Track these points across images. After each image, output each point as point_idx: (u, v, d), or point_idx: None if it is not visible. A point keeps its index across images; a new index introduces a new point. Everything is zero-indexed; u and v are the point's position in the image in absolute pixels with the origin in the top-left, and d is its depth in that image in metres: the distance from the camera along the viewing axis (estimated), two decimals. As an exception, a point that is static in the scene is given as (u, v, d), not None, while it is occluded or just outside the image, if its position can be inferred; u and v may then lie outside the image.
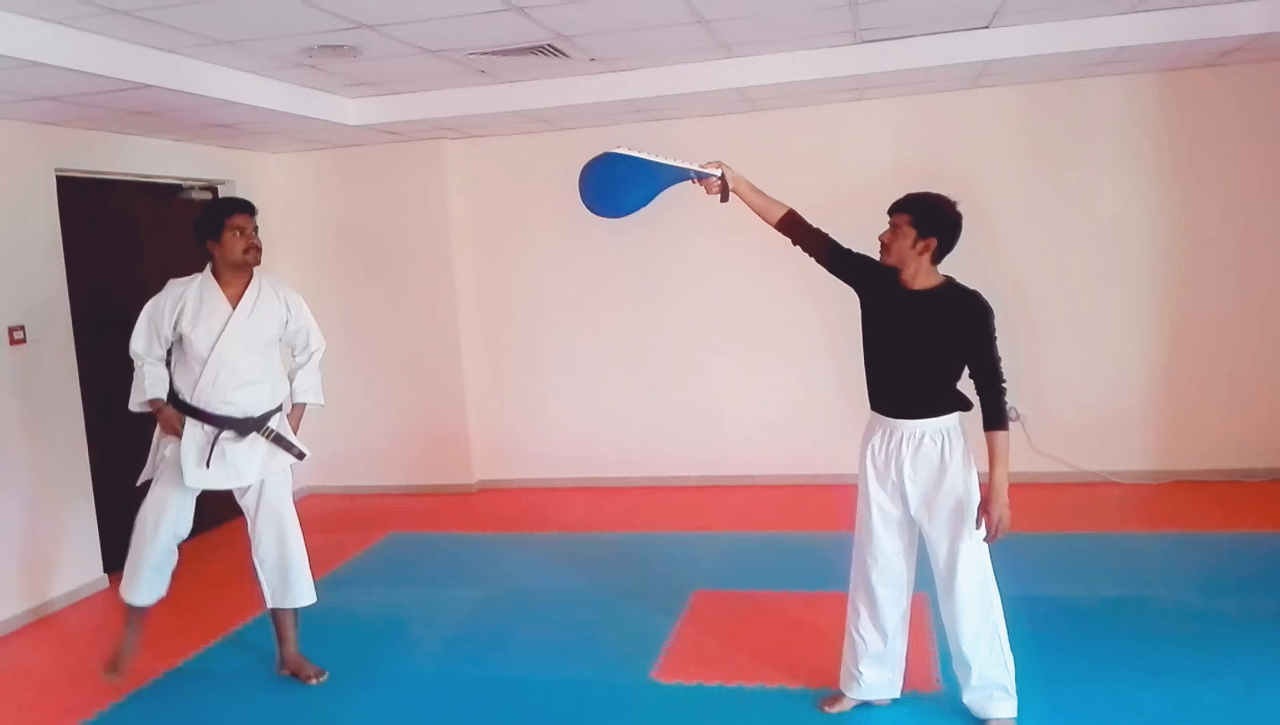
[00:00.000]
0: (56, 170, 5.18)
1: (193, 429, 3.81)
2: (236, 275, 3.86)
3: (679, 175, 3.24)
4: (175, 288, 3.89)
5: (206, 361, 3.78)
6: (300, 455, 3.96)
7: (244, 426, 3.84)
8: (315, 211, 7.07)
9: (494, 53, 4.78)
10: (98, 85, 4.27)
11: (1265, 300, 5.95)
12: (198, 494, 3.93)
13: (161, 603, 4.65)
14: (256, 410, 3.87)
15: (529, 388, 7.02)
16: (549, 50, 4.77)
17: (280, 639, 4.04)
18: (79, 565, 5.17)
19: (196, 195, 6.38)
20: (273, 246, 6.94)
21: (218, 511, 5.05)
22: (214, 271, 3.87)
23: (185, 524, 3.96)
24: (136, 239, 5.87)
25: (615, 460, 6.88)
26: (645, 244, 6.57)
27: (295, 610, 4.01)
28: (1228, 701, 3.43)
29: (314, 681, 3.97)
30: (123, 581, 3.98)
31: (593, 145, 3.34)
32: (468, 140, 6.84)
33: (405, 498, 7.01)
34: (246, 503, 3.96)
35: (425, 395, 7.04)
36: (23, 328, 4.92)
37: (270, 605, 3.99)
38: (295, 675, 4.01)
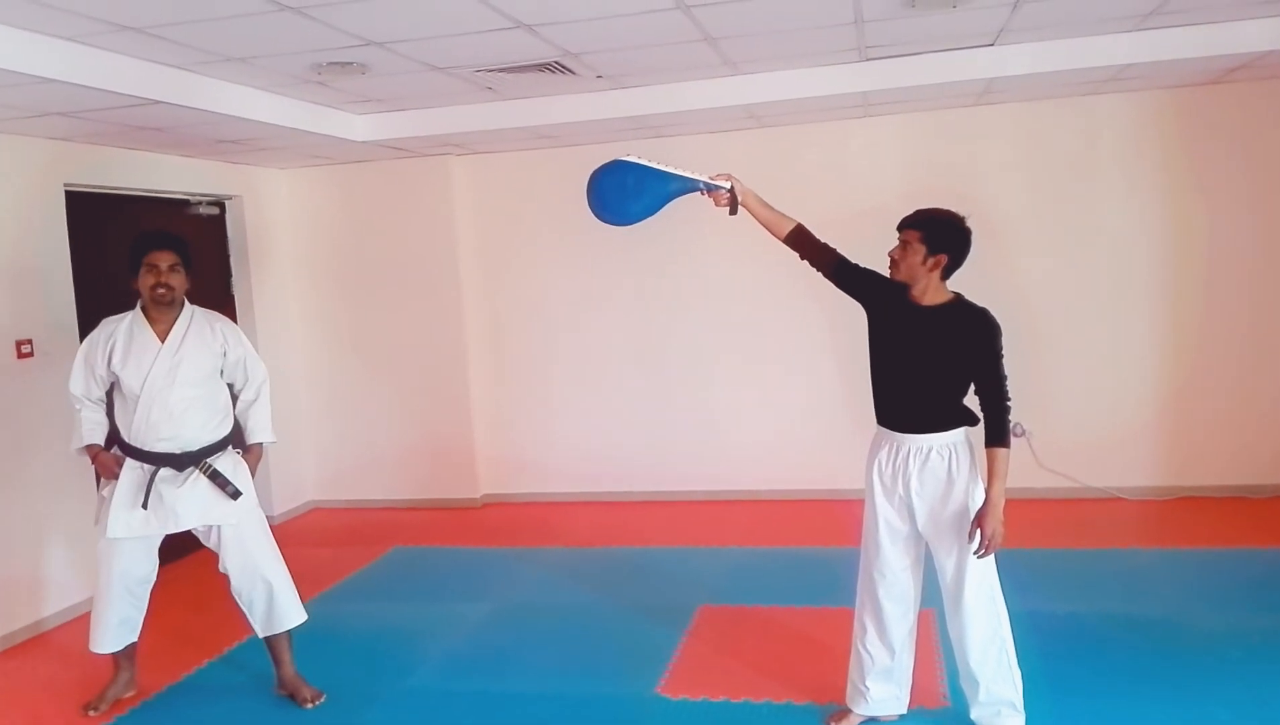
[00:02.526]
0: (66, 185, 5.22)
1: (131, 470, 3.79)
2: (162, 311, 3.82)
3: (688, 186, 3.25)
4: (107, 326, 3.87)
5: (139, 399, 3.75)
6: (235, 494, 3.81)
7: (181, 462, 3.78)
8: (323, 226, 7.10)
9: (501, 70, 4.80)
10: (108, 101, 4.31)
11: (1271, 316, 5.95)
12: (158, 536, 3.87)
13: (163, 616, 4.66)
14: (194, 444, 3.80)
15: (535, 402, 7.02)
16: (556, 68, 4.79)
17: (275, 660, 4.00)
18: (86, 579, 5.16)
19: (205, 210, 6.42)
20: (280, 261, 7.02)
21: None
22: (143, 307, 3.85)
23: (142, 568, 3.89)
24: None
25: (620, 475, 6.88)
26: (651, 259, 6.60)
27: (288, 631, 3.97)
28: (1237, 717, 3.42)
29: (309, 705, 3.90)
30: (90, 629, 3.96)
31: (598, 162, 3.35)
32: (475, 156, 6.87)
33: (410, 511, 7.01)
34: (212, 545, 3.90)
35: (431, 409, 7.05)
36: (30, 341, 4.94)
37: (260, 634, 3.95)
38: (291, 697, 3.96)
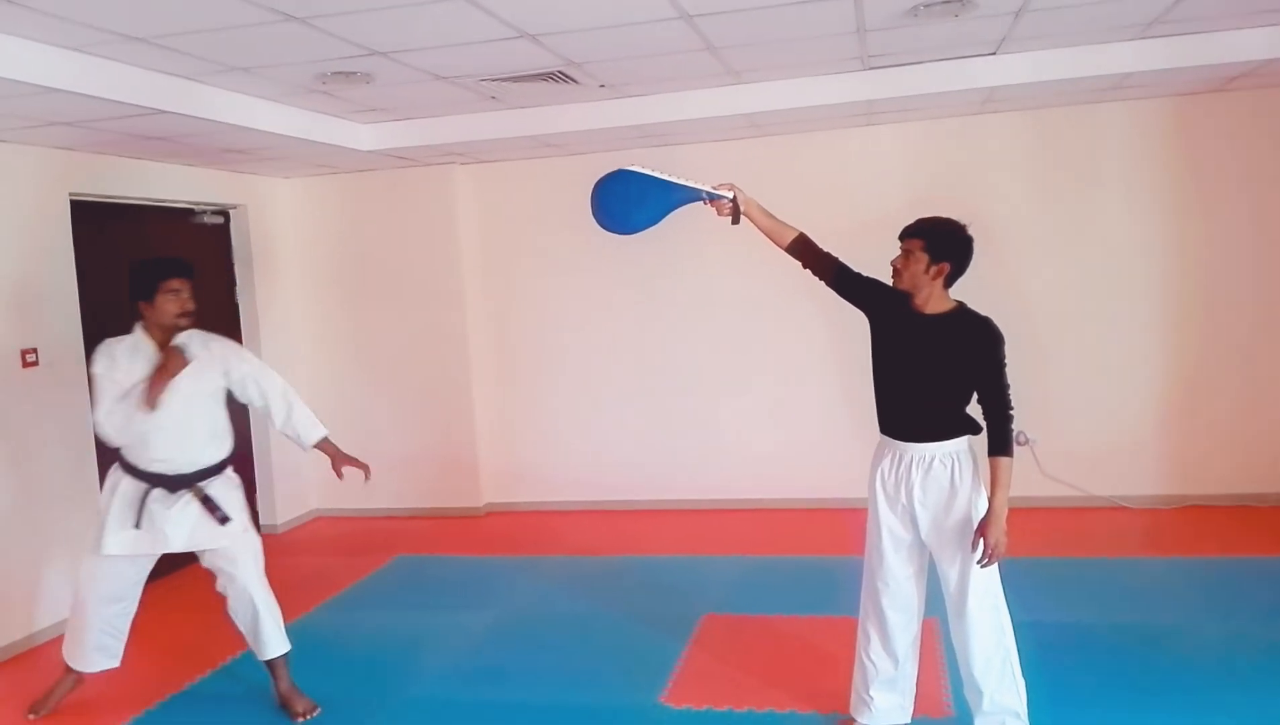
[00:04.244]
0: (71, 195, 5.23)
1: (126, 488, 3.81)
2: (166, 335, 3.82)
3: (691, 195, 3.25)
4: (109, 348, 3.84)
5: (136, 419, 3.74)
6: (223, 520, 3.80)
7: (174, 483, 3.78)
8: (326, 236, 7.11)
9: (505, 79, 4.82)
10: (113, 111, 4.32)
11: (1275, 324, 5.94)
12: (146, 559, 3.89)
13: (165, 626, 4.66)
14: (188, 467, 3.80)
15: (538, 411, 7.03)
16: (559, 77, 4.81)
17: (271, 675, 4.00)
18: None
19: (209, 219, 6.44)
20: (284, 270, 7.03)
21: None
22: (145, 330, 3.84)
23: (125, 589, 3.92)
24: (149, 263, 5.91)
25: (623, 483, 6.88)
26: (655, 268, 6.61)
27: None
28: (1242, 728, 3.41)
29: (300, 719, 3.89)
30: (64, 641, 3.98)
31: (602, 170, 3.35)
32: (478, 165, 6.89)
33: (413, 520, 7.00)
34: (206, 564, 3.90)
35: (434, 418, 7.05)
36: (35, 350, 4.95)
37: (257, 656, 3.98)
38: (285, 708, 3.95)
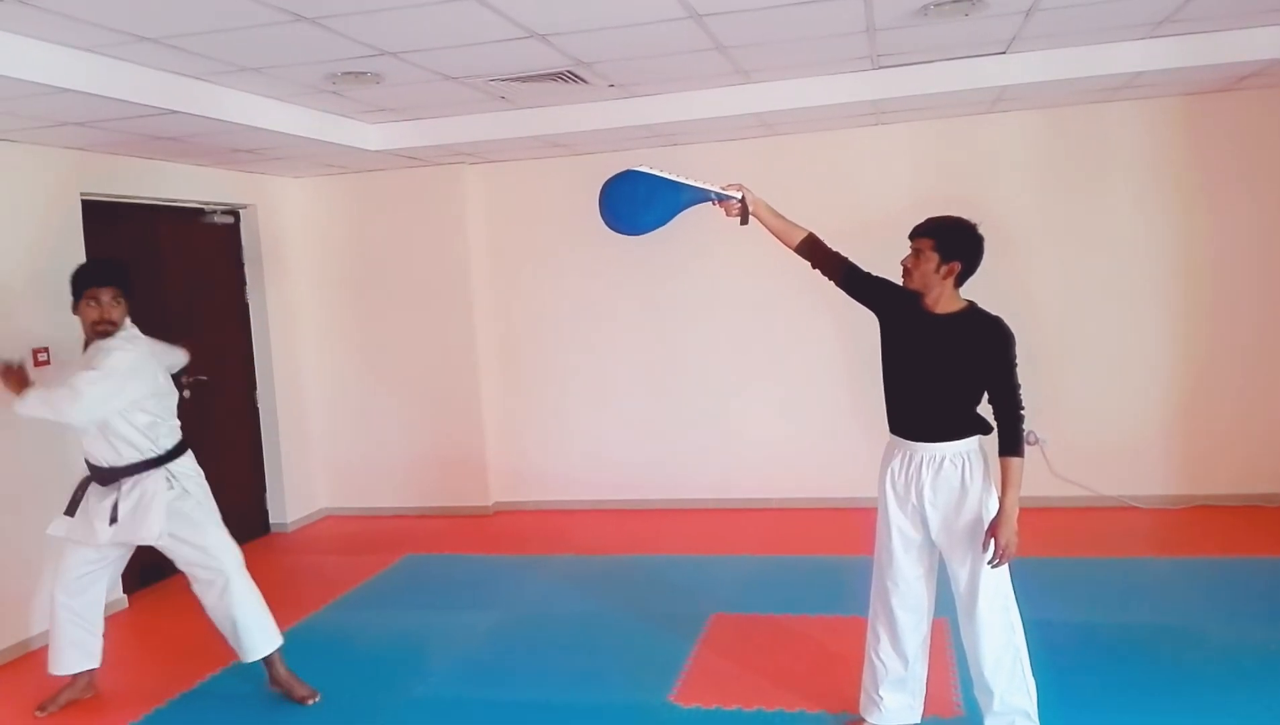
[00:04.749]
0: (82, 194, 5.25)
1: (82, 478, 3.97)
2: (91, 341, 3.85)
3: (699, 196, 3.25)
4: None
5: None
6: (113, 520, 3.80)
7: (103, 477, 3.87)
8: (336, 235, 7.13)
9: (514, 79, 4.83)
10: (124, 111, 4.34)
11: (1285, 324, 5.93)
12: (105, 553, 3.95)
13: (175, 625, 4.67)
14: (115, 462, 3.82)
15: (546, 410, 7.04)
16: (569, 77, 4.81)
17: (265, 660, 4.02)
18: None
19: (219, 219, 6.46)
20: (293, 270, 7.05)
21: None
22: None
23: (80, 581, 3.97)
24: (159, 262, 5.94)
25: (632, 483, 6.89)
26: (663, 268, 6.61)
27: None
28: (1252, 729, 3.41)
29: (308, 702, 3.96)
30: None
31: (610, 170, 3.36)
32: (487, 165, 6.90)
33: (422, 519, 7.02)
34: (182, 569, 3.95)
35: (443, 417, 7.06)
36: (47, 350, 4.96)
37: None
38: (286, 695, 4.00)
